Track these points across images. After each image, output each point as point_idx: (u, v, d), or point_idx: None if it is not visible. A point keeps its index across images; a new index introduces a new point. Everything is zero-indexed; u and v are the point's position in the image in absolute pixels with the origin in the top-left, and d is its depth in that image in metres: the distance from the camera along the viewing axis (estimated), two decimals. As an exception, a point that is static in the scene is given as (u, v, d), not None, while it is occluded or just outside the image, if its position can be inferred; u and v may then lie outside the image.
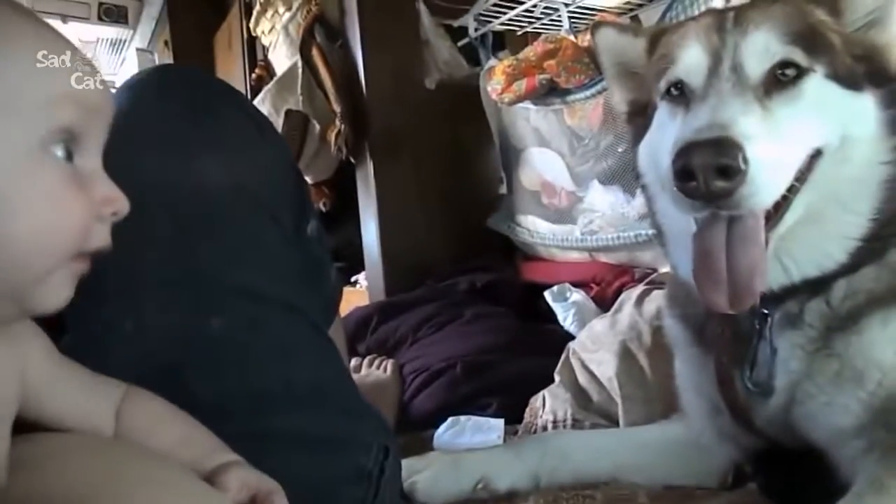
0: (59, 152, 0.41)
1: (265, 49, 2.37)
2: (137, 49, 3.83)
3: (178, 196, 0.62)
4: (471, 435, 1.12)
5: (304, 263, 0.78)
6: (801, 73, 0.66)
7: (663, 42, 0.76)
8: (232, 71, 3.06)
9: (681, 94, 0.71)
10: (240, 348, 0.63)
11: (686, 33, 0.71)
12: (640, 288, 1.32)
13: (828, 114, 0.67)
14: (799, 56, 0.66)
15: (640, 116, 0.81)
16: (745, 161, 0.58)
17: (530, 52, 1.55)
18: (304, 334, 0.69)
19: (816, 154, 0.66)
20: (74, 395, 0.49)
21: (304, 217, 0.82)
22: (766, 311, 0.72)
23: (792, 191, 0.65)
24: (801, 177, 0.66)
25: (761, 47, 0.66)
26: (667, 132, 0.71)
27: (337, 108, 1.83)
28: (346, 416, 0.68)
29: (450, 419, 1.15)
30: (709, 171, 0.58)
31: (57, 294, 0.43)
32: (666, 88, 0.72)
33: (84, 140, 0.43)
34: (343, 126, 1.81)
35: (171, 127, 0.68)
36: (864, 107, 0.68)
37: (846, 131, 0.67)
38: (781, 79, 0.66)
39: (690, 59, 0.69)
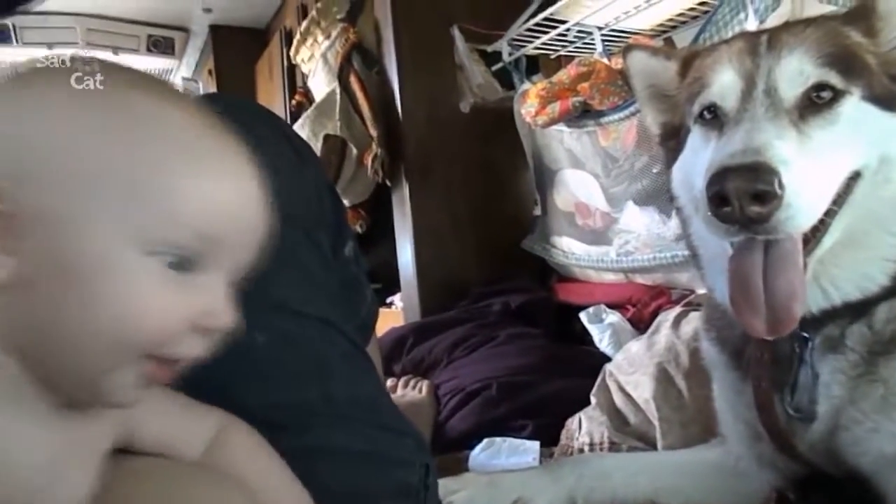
0: (168, 260, 0.41)
1: (305, 76, 2.45)
2: (183, 78, 3.97)
3: None
4: (506, 457, 1.11)
5: (341, 283, 0.80)
6: (837, 95, 0.66)
7: (696, 65, 0.76)
8: (273, 97, 3.16)
9: (714, 117, 0.71)
10: (278, 362, 0.64)
11: (719, 57, 0.71)
12: (678, 309, 1.30)
13: (865, 136, 0.66)
14: (834, 78, 0.66)
15: (672, 139, 0.81)
16: (781, 186, 0.58)
17: (564, 74, 1.56)
18: (342, 351, 0.71)
19: (855, 176, 0.66)
20: (163, 424, 0.50)
21: (341, 238, 0.84)
22: (806, 335, 0.72)
23: (829, 213, 0.64)
24: (839, 199, 0.65)
25: (795, 70, 0.66)
26: (700, 155, 0.71)
27: (373, 132, 1.88)
28: (386, 432, 0.69)
29: (485, 440, 1.15)
30: (744, 196, 0.58)
31: (122, 392, 0.42)
32: (699, 112, 0.72)
33: (204, 260, 0.43)
34: (379, 150, 1.85)
35: None
36: None
37: (885, 152, 0.66)
38: (817, 101, 0.65)
39: (724, 83, 0.69)
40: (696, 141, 0.74)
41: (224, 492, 0.47)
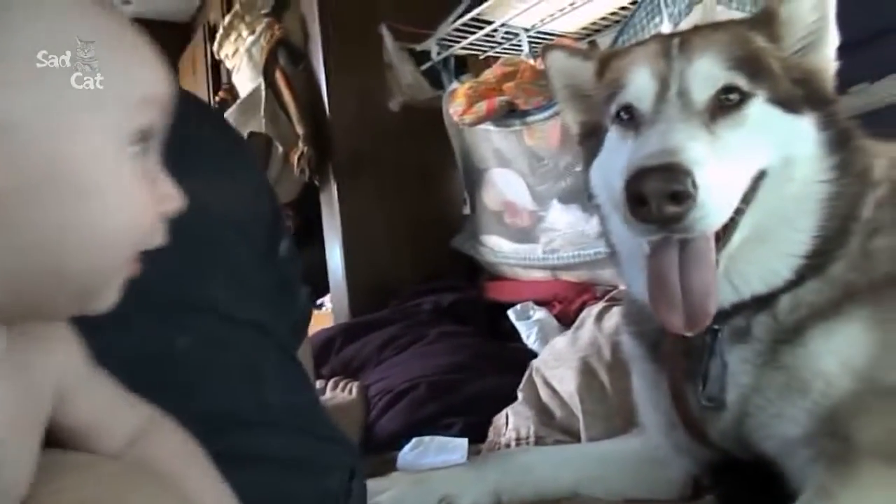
0: (137, 149, 0.41)
1: (229, 72, 2.37)
2: (100, 71, 3.78)
3: None
4: (434, 455, 1.11)
5: (275, 283, 0.78)
6: (745, 97, 0.68)
7: (612, 66, 0.78)
8: (196, 94, 3.05)
9: (631, 117, 0.73)
10: (206, 367, 0.62)
11: (634, 58, 0.73)
12: (601, 305, 1.34)
13: (770, 136, 0.69)
14: (741, 81, 0.68)
15: (591, 138, 0.83)
16: (695, 186, 0.60)
17: (490, 74, 1.58)
18: (272, 356, 0.69)
19: (761, 175, 0.69)
20: (94, 405, 0.47)
21: (277, 236, 0.82)
22: (716, 327, 0.74)
23: (738, 212, 0.67)
24: (747, 197, 0.68)
25: (706, 73, 0.68)
26: (618, 155, 0.72)
27: (300, 130, 1.84)
28: (314, 439, 0.67)
29: (414, 440, 1.14)
30: (660, 196, 0.60)
31: (113, 295, 0.42)
32: (616, 112, 0.74)
33: (154, 139, 0.44)
34: (306, 148, 1.82)
35: None
36: (804, 128, 0.71)
37: (788, 152, 0.69)
38: (725, 104, 0.68)
39: (639, 84, 0.71)
40: (614, 141, 0.76)
41: (155, 495, 0.45)
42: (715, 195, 0.62)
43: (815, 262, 0.72)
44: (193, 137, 0.73)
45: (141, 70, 0.43)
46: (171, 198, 0.44)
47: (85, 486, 0.43)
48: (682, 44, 0.71)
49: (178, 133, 0.68)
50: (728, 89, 0.68)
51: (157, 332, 0.60)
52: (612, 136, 0.76)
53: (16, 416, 0.39)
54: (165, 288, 0.62)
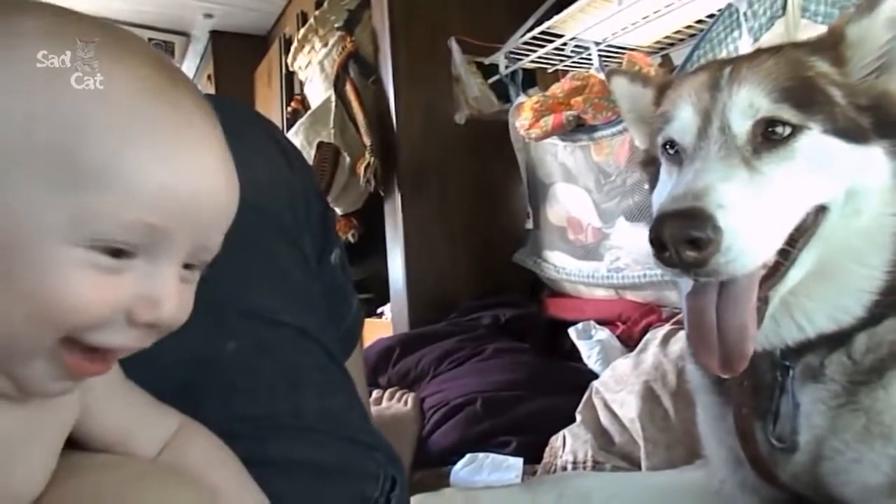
0: (99, 250, 0.36)
1: (302, 84, 2.44)
2: (182, 82, 3.97)
3: None
4: (488, 473, 1.10)
5: (325, 291, 0.79)
6: (795, 130, 0.64)
7: (665, 96, 0.75)
8: (271, 104, 3.16)
9: (676, 152, 0.70)
10: (250, 372, 0.63)
11: (682, 91, 0.70)
12: (667, 327, 1.29)
13: (828, 170, 0.64)
14: (787, 113, 0.64)
15: (651, 165, 0.81)
16: (717, 231, 0.57)
17: (558, 88, 1.56)
18: (316, 361, 0.70)
19: (822, 209, 0.65)
20: (121, 416, 0.49)
21: (328, 246, 0.83)
22: (787, 364, 0.70)
23: (788, 253, 0.63)
24: (806, 233, 0.64)
25: (746, 106, 0.65)
26: (665, 188, 0.71)
27: (367, 141, 1.87)
28: (353, 445, 0.68)
29: (468, 456, 1.14)
30: (679, 242, 0.57)
31: (42, 381, 0.38)
32: (662, 145, 0.72)
33: (148, 250, 0.37)
34: (372, 159, 1.84)
35: None
36: (872, 159, 0.66)
37: (852, 185, 0.65)
38: (772, 137, 0.64)
39: (682, 119, 0.69)
40: (664, 173, 0.74)
41: (176, 490, 0.46)
42: (744, 238, 0.58)
43: (892, 300, 0.67)
44: (246, 144, 0.75)
45: (137, 170, 0.35)
46: (154, 304, 0.38)
47: (103, 482, 0.44)
48: (730, 74, 0.68)
49: (230, 139, 0.70)
50: (772, 122, 0.64)
51: (210, 336, 0.62)
52: (663, 168, 0.74)
53: (29, 429, 0.40)
54: (218, 293, 0.64)
